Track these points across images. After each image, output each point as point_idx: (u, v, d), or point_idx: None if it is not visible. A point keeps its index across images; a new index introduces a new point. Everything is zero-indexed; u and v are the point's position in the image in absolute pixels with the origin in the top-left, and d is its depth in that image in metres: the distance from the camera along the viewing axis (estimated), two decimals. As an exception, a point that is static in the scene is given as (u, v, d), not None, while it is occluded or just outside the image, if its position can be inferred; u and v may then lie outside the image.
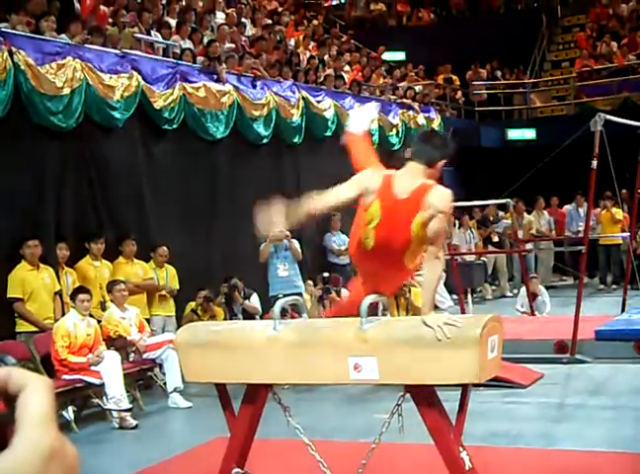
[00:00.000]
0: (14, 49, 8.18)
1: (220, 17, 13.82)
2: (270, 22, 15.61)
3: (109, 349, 7.89)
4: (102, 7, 10.76)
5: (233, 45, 12.62)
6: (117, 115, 9.35)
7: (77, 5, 10.43)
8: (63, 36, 9.13)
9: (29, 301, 7.95)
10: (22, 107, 8.28)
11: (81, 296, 7.74)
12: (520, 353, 8.89)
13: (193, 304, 9.65)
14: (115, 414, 7.48)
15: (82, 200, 9.00)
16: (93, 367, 7.49)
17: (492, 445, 5.94)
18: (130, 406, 7.52)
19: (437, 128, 17.31)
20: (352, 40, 18.93)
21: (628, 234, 12.20)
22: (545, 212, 16.76)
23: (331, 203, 4.28)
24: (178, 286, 9.65)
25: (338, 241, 12.97)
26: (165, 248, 9.58)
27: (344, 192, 4.21)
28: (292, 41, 15.80)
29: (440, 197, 3.99)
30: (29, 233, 8.10)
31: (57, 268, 8.38)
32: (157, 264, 9.55)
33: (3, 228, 8.12)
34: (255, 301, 10.14)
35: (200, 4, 13.88)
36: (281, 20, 16.35)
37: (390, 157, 15.54)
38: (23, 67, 8.23)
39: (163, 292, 9.48)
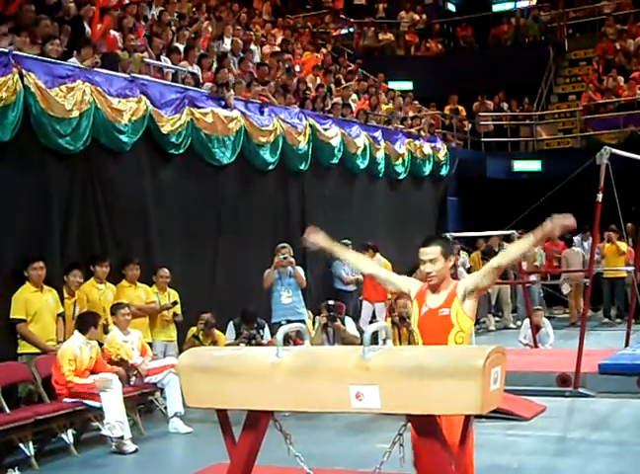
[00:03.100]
0: (24, 72, 8.23)
1: (229, 43, 13.92)
2: (278, 49, 15.71)
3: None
4: (112, 32, 10.83)
5: (238, 72, 12.69)
6: (124, 138, 9.38)
7: (88, 29, 10.50)
8: (73, 59, 9.19)
9: (32, 323, 7.93)
10: (30, 129, 8.32)
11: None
12: (523, 385, 8.86)
13: (194, 329, 9.60)
14: (113, 438, 7.44)
15: (88, 223, 9.00)
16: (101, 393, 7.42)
17: (493, 478, 5.90)
18: (123, 434, 7.38)
19: (442, 159, 17.37)
20: (360, 70, 19.02)
21: (633, 268, 12.17)
22: (539, 248, 16.66)
23: (380, 278, 4.59)
24: (180, 312, 9.56)
25: (347, 269, 12.84)
26: (166, 270, 9.53)
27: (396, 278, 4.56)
28: (297, 68, 15.87)
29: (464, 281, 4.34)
30: (34, 255, 8.10)
31: (67, 292, 8.47)
32: (159, 287, 9.51)
33: (8, 249, 8.12)
34: (267, 334, 9.50)
35: (210, 30, 13.99)
36: (290, 48, 16.44)
37: (395, 186, 15.64)
38: (33, 90, 8.27)
39: (165, 317, 9.43)
